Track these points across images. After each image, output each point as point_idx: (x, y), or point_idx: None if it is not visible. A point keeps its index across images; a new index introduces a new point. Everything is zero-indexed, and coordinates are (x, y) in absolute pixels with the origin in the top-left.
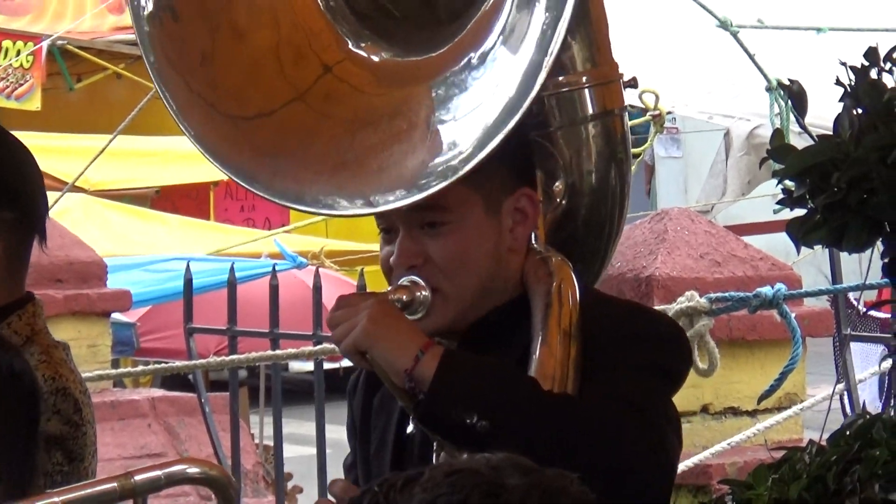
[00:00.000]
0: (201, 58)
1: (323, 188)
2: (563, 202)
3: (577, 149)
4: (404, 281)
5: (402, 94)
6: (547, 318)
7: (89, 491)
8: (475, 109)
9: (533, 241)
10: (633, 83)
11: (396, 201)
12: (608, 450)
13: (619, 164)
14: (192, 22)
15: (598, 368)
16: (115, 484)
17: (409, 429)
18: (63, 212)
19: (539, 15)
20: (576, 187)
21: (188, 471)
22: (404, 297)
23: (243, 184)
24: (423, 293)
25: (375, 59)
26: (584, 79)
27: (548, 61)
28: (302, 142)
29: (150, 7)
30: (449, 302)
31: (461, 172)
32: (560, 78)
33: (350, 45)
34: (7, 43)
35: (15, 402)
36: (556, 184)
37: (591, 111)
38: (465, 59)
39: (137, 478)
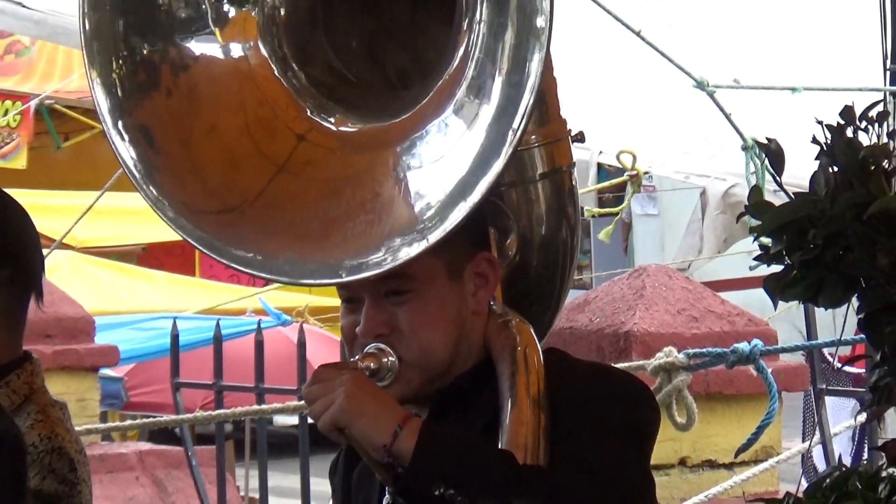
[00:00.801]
0: (189, 170)
1: (291, 259)
2: (516, 257)
3: (527, 206)
4: (371, 348)
5: (366, 162)
6: (515, 386)
7: None
8: (440, 177)
9: (492, 304)
10: (580, 137)
11: (364, 272)
12: None
13: (568, 218)
14: (166, 144)
15: (567, 433)
16: None
17: (386, 500)
18: (51, 268)
19: (497, 91)
20: (527, 242)
21: None
22: (372, 364)
23: (215, 257)
24: (391, 359)
25: (340, 128)
26: (533, 138)
27: (512, 137)
28: (268, 216)
29: (127, 145)
30: (416, 369)
31: (430, 242)
32: None
33: (314, 117)
34: None
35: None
36: (509, 240)
37: (540, 170)
38: (427, 126)
39: None
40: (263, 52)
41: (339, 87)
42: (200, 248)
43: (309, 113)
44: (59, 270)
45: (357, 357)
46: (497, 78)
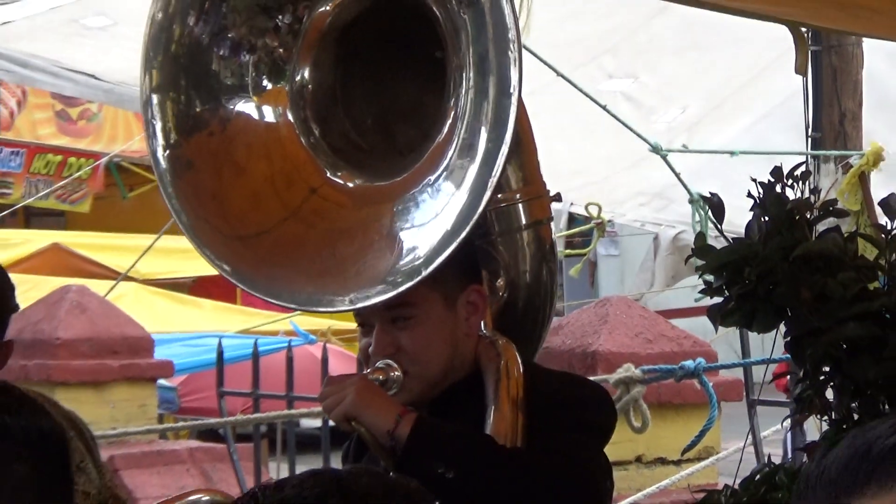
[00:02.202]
0: (212, 196)
1: (312, 291)
2: (505, 295)
3: (513, 252)
4: (380, 364)
5: (373, 212)
6: (498, 390)
7: None
8: (433, 222)
9: (482, 328)
10: (557, 198)
11: (371, 299)
12: (550, 491)
13: (548, 263)
14: (203, 167)
15: (540, 430)
16: None
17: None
18: (118, 297)
19: (482, 146)
20: (514, 283)
21: (202, 499)
22: (381, 377)
23: (247, 290)
24: (396, 373)
25: (349, 184)
26: (517, 196)
27: (491, 182)
28: (292, 255)
29: (170, 174)
30: (417, 381)
31: (424, 273)
32: (499, 195)
33: (328, 174)
34: (72, 159)
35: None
36: (499, 281)
37: (523, 221)
38: (424, 182)
39: None
40: (290, 118)
41: (352, 152)
42: (217, 263)
43: (324, 171)
44: (124, 298)
45: (368, 371)
46: (480, 138)
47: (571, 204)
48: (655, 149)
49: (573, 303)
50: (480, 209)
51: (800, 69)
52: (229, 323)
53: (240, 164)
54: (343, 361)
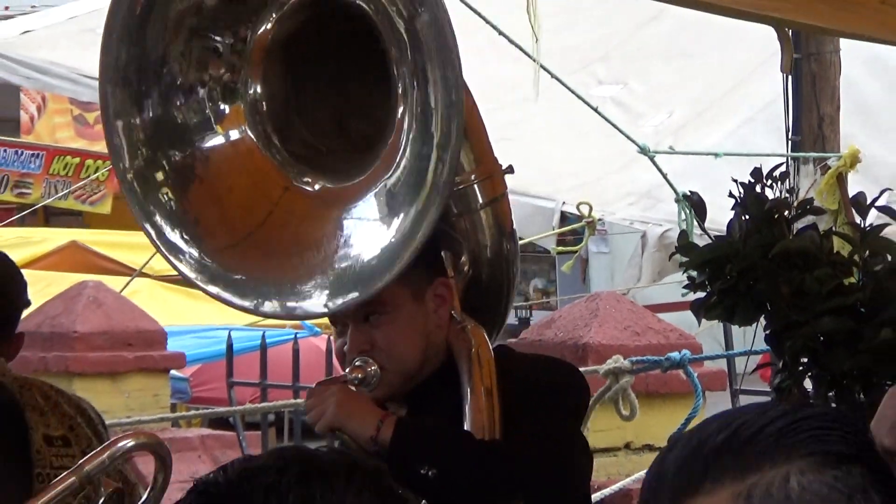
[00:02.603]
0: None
1: (285, 299)
2: (469, 272)
3: (474, 230)
4: (357, 361)
5: (339, 214)
6: (472, 379)
7: (58, 489)
8: (395, 223)
9: (452, 312)
10: (510, 170)
11: (344, 301)
12: (531, 478)
13: (508, 237)
14: (192, 202)
15: (516, 414)
16: (74, 478)
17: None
18: (133, 292)
19: (432, 144)
20: (477, 259)
21: (127, 445)
22: (360, 374)
23: (222, 300)
24: (373, 368)
25: (314, 188)
26: (472, 177)
27: (445, 182)
28: (261, 263)
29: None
30: (395, 375)
31: (394, 272)
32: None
33: (293, 182)
34: (89, 161)
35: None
36: (462, 259)
37: (481, 200)
38: (381, 183)
39: (87, 467)
40: (251, 134)
41: (314, 157)
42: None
43: (290, 179)
44: (139, 294)
45: (347, 369)
46: (431, 135)
47: (564, 203)
48: (644, 150)
49: (565, 297)
50: (439, 203)
51: (785, 68)
52: (238, 317)
53: (225, 188)
54: None
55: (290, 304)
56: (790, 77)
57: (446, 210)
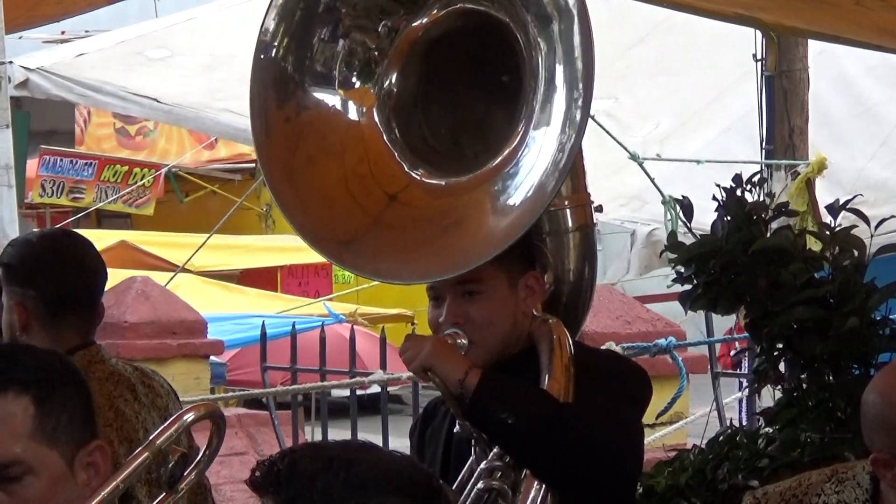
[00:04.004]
0: (286, 174)
1: (392, 266)
2: (551, 288)
3: (560, 251)
4: (449, 331)
5: (450, 203)
6: (552, 360)
7: (135, 464)
8: (503, 213)
9: (534, 310)
10: (599, 209)
11: (449, 274)
12: (596, 439)
13: (591, 263)
14: (279, 140)
15: (586, 395)
16: (147, 453)
17: (456, 429)
18: (176, 286)
19: (552, 150)
20: (560, 279)
21: (191, 417)
22: (449, 341)
23: (335, 262)
24: (462, 341)
25: (428, 181)
26: (566, 202)
27: (558, 181)
28: (375, 236)
29: (260, 123)
30: (480, 349)
31: (493, 253)
32: None
33: (408, 170)
34: (136, 169)
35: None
36: (546, 275)
37: (570, 225)
38: (498, 179)
39: (158, 441)
40: (376, 118)
41: (428, 153)
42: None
43: (406, 169)
44: (181, 287)
45: (441, 335)
46: (553, 138)
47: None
48: (634, 157)
49: None
50: (547, 202)
51: (771, 67)
52: (271, 307)
53: (309, 153)
54: (368, 340)
55: (398, 271)
56: (763, 92)
57: (539, 226)
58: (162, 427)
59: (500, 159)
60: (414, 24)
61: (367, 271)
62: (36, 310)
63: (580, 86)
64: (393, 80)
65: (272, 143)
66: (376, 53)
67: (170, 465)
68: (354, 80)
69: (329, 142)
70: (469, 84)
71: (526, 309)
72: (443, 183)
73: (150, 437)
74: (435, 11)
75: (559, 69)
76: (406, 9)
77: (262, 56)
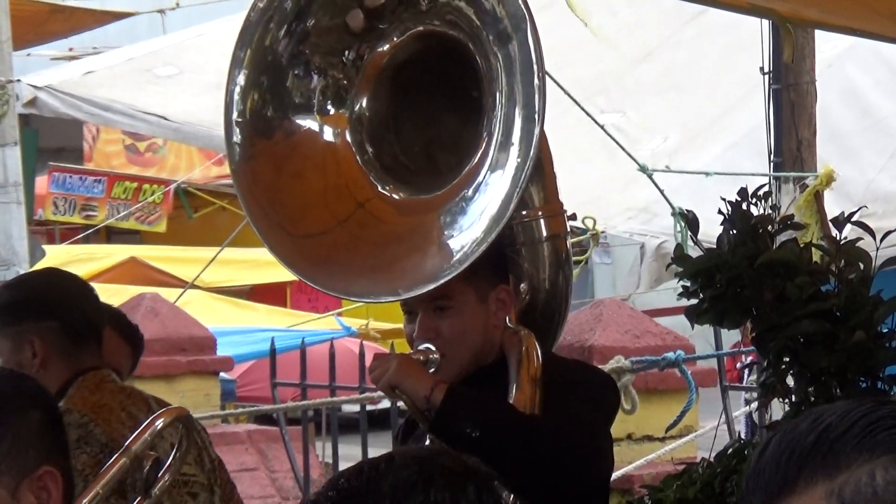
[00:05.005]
0: (269, 188)
1: (364, 285)
2: (527, 298)
3: (534, 261)
4: (421, 347)
5: (417, 220)
6: (519, 371)
7: (113, 471)
8: (468, 227)
9: (508, 322)
10: (573, 217)
11: (416, 291)
12: (562, 448)
13: (564, 271)
14: (264, 164)
15: (554, 404)
16: (125, 458)
17: (427, 444)
18: (185, 302)
19: (511, 166)
20: (535, 288)
21: (161, 422)
22: (422, 357)
23: (308, 283)
24: (434, 356)
25: (396, 196)
26: (538, 212)
27: (517, 194)
28: (347, 255)
29: (238, 156)
30: (452, 363)
31: (459, 269)
32: (522, 212)
33: (378, 188)
34: (146, 186)
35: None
36: (521, 285)
37: (544, 234)
38: (461, 195)
39: (134, 447)
40: (349, 139)
41: (400, 170)
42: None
43: (375, 186)
44: (191, 304)
45: (412, 352)
46: (508, 158)
47: (571, 219)
48: (643, 168)
49: (573, 303)
50: (507, 216)
51: (788, 58)
52: (281, 324)
53: (296, 170)
54: None
55: (368, 290)
56: (771, 104)
57: (513, 238)
58: (135, 434)
59: (462, 175)
60: (378, 51)
61: (339, 291)
62: (57, 341)
63: (535, 101)
64: (364, 105)
65: (255, 166)
66: (345, 82)
67: (145, 471)
68: (329, 107)
69: (311, 159)
70: (439, 102)
71: (497, 322)
72: (411, 199)
73: (126, 444)
74: (395, 38)
75: (516, 86)
76: (365, 39)
77: (236, 113)
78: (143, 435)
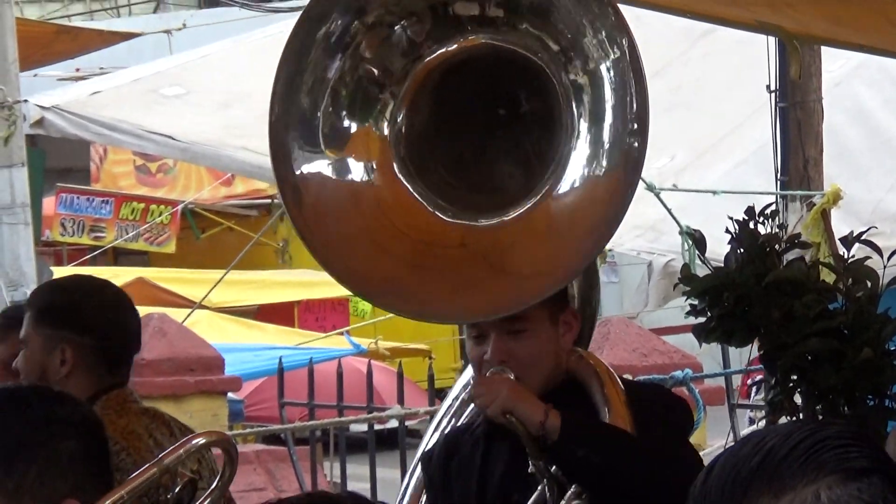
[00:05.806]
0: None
1: (441, 308)
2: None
3: (587, 280)
4: (496, 370)
5: (494, 241)
6: (606, 394)
7: (142, 479)
8: (542, 261)
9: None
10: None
11: (496, 315)
12: (671, 473)
13: (596, 291)
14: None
15: (646, 428)
16: (155, 469)
17: (530, 469)
18: (193, 323)
19: (612, 185)
20: (583, 313)
21: (200, 441)
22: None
23: (380, 307)
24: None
25: (465, 223)
26: None
27: (616, 222)
28: (433, 288)
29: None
30: (524, 384)
31: (540, 297)
32: None
33: (443, 217)
34: (153, 206)
35: (92, 441)
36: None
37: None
38: (534, 226)
39: (167, 460)
40: (396, 169)
41: (447, 189)
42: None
43: (441, 216)
44: (199, 324)
45: (488, 374)
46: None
47: None
48: (651, 187)
49: None
50: (610, 237)
51: (795, 75)
52: (289, 343)
53: (379, 242)
54: (385, 375)
55: (453, 315)
56: (777, 123)
57: None
58: (172, 447)
59: (539, 198)
60: (422, 64)
61: (412, 313)
62: (89, 357)
63: (634, 118)
64: (404, 118)
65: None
66: (388, 94)
67: (176, 490)
68: (374, 128)
69: (359, 199)
70: (494, 123)
71: (566, 344)
72: (484, 223)
73: (159, 456)
74: (453, 46)
75: (608, 105)
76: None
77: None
78: (178, 450)
